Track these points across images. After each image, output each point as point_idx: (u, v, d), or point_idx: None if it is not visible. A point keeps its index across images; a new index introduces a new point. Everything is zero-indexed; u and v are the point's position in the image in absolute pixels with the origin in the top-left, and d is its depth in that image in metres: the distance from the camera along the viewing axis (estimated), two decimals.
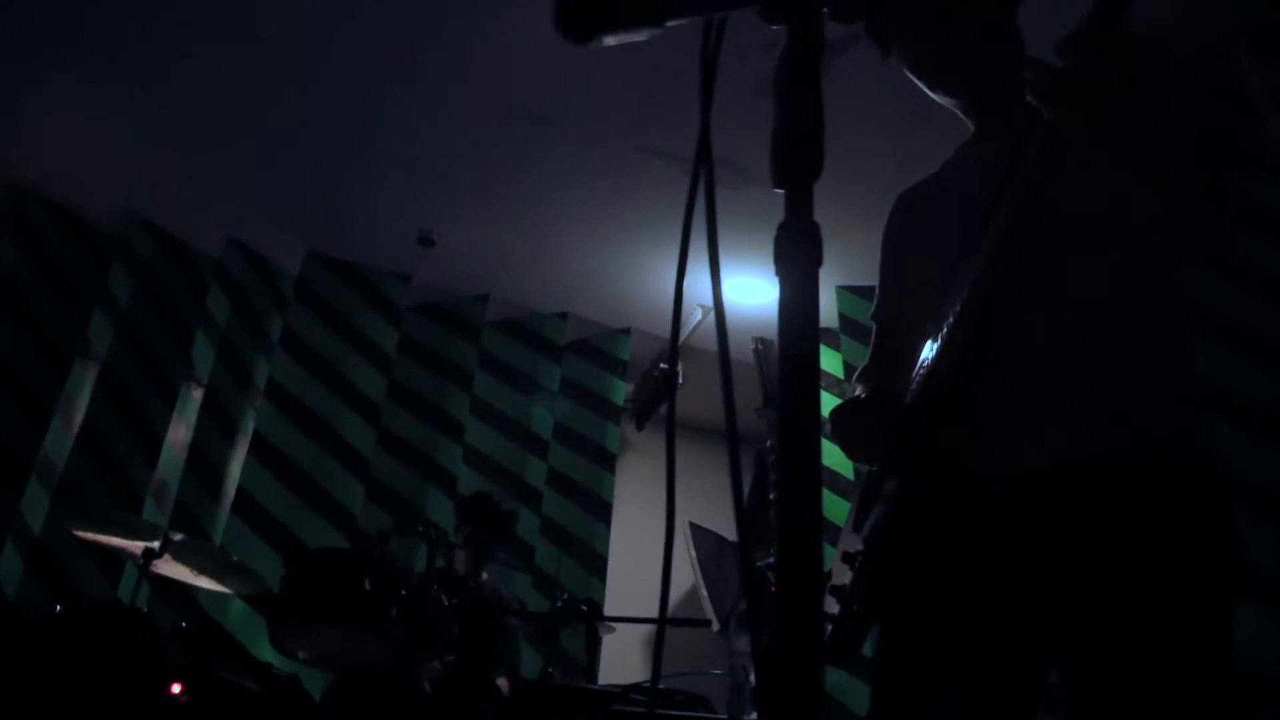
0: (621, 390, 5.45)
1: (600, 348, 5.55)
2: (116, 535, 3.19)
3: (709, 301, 0.85)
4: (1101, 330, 1.21)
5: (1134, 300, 1.23)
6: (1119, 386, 1.18)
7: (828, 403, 2.90)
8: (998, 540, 1.19)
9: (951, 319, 1.21)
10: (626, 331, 5.50)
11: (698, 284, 0.86)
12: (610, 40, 0.86)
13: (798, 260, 0.71)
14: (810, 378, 0.68)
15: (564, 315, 5.43)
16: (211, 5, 3.50)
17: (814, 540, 0.63)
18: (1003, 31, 1.42)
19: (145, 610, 3.09)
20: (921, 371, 1.26)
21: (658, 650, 0.91)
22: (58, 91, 4.06)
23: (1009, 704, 1.19)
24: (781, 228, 0.71)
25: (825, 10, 0.78)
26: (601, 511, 5.16)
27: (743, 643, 3.14)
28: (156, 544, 3.08)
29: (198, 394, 4.77)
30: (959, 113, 1.49)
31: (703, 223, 0.79)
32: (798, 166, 0.73)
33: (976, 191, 1.28)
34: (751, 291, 4.71)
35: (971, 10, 1.40)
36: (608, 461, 5.31)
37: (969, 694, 1.18)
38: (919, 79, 1.46)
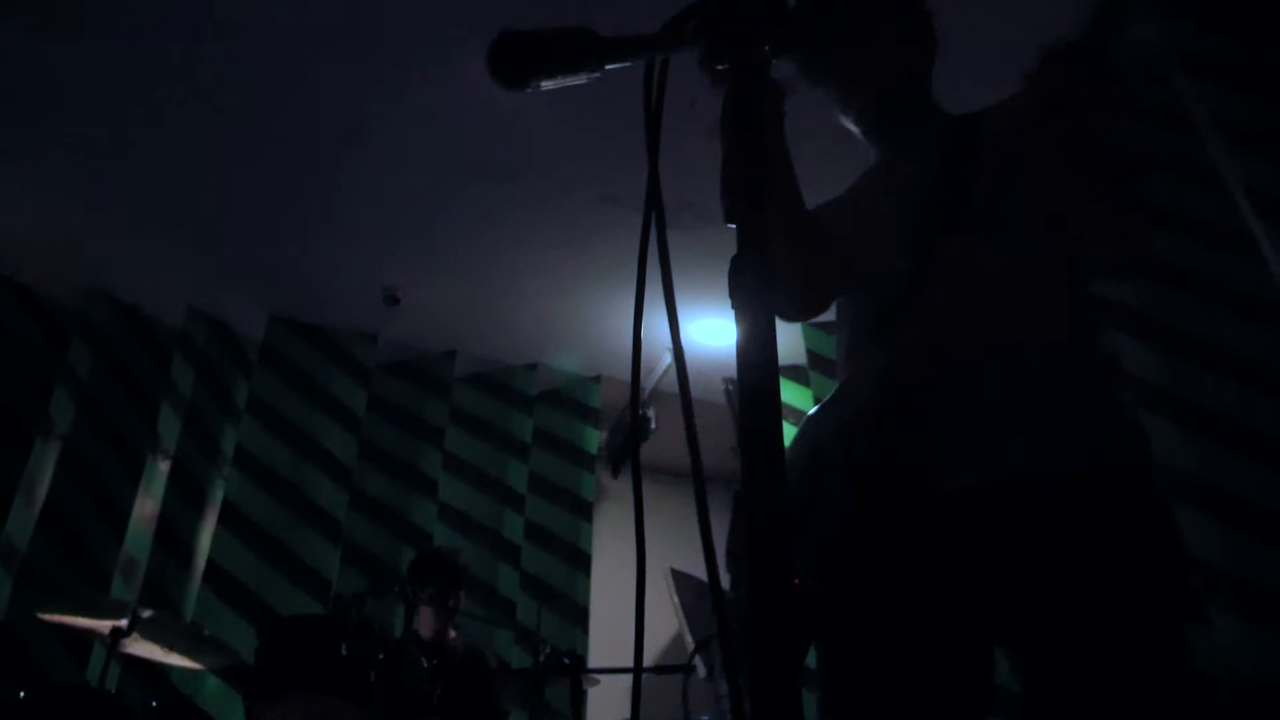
0: (595, 438, 5.43)
1: (572, 397, 5.53)
2: (83, 616, 3.10)
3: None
4: (1043, 345, 1.23)
5: (1071, 315, 1.27)
6: (1066, 403, 1.20)
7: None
8: (956, 555, 1.19)
9: (901, 335, 1.24)
10: (597, 379, 5.50)
11: (663, 327, 0.85)
12: (547, 84, 0.87)
13: (752, 290, 0.71)
14: (771, 402, 0.68)
15: (533, 366, 5.42)
16: (164, 74, 3.50)
17: (782, 573, 0.63)
18: (913, 49, 1.49)
19: (115, 692, 3.00)
20: (869, 387, 1.27)
21: (635, 699, 0.89)
22: (8, 168, 4.03)
23: (961, 709, 1.20)
24: (734, 260, 0.72)
25: (767, 48, 0.80)
26: (581, 562, 5.11)
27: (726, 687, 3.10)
28: (125, 622, 2.99)
29: (164, 466, 4.68)
30: (865, 135, 1.53)
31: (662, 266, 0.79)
32: (746, 200, 0.74)
33: (903, 204, 1.33)
34: (718, 333, 4.73)
35: (879, 29, 1.45)
36: (584, 511, 5.26)
37: (924, 699, 1.18)
38: (834, 98, 1.50)
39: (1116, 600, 1.09)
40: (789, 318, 1.48)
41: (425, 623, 3.70)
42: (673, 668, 3.42)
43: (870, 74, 1.47)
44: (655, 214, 0.81)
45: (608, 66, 0.84)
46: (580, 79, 0.85)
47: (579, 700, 3.75)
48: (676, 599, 3.41)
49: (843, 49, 1.45)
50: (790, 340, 4.56)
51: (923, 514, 1.20)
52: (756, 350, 0.70)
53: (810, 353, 4.70)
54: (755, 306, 0.71)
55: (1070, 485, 1.14)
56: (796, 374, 4.75)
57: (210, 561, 4.40)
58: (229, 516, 4.51)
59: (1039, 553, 1.13)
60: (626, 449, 5.73)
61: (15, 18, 3.27)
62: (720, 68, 0.80)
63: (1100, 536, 1.12)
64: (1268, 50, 2.68)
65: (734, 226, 0.74)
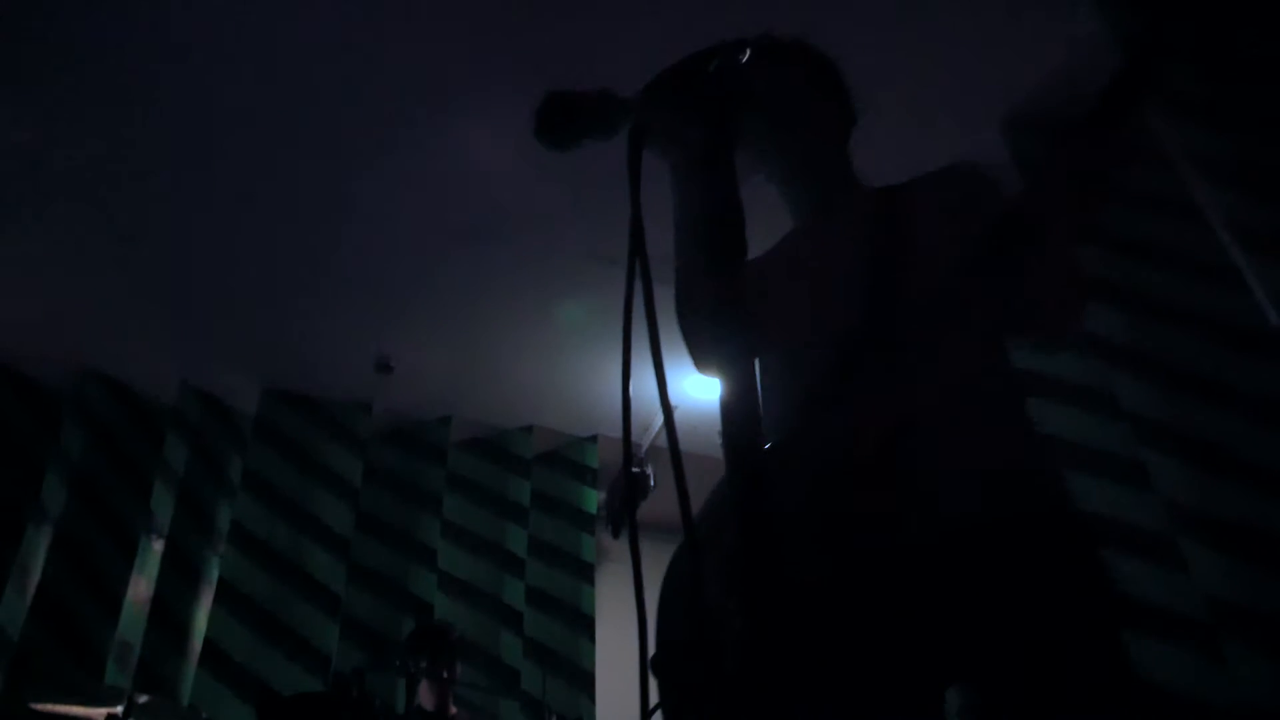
0: (594, 499, 5.39)
1: (569, 458, 5.51)
2: (77, 704, 3.04)
3: (671, 401, 0.86)
4: (981, 408, 1.30)
5: (1004, 378, 1.35)
6: (1004, 459, 1.28)
7: None
8: (917, 599, 1.25)
9: (860, 395, 1.28)
10: (594, 439, 5.48)
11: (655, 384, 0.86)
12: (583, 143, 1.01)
13: (730, 341, 0.73)
14: (752, 453, 0.69)
15: (529, 429, 5.40)
16: (151, 156, 3.54)
17: (774, 625, 0.66)
18: (845, 127, 1.57)
19: None
20: (836, 446, 1.30)
21: None
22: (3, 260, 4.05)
23: None
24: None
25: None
26: (584, 626, 5.03)
27: None
28: (120, 709, 2.93)
29: (158, 545, 4.63)
30: (793, 202, 1.58)
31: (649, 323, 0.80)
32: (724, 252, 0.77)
33: (844, 270, 1.39)
34: (712, 387, 4.72)
35: (822, 111, 1.54)
36: (586, 573, 5.20)
37: None
38: (774, 178, 1.56)
39: (1056, 624, 1.18)
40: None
41: (426, 696, 3.63)
42: None
43: (816, 157, 1.54)
44: (641, 267, 0.83)
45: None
46: (609, 139, 0.94)
47: None
48: None
49: (791, 135, 1.51)
50: None
51: (887, 562, 1.25)
52: (737, 402, 0.71)
53: None
54: (735, 357, 0.73)
55: (1014, 530, 1.23)
56: None
57: (207, 641, 4.32)
58: (225, 594, 4.44)
59: (988, 592, 1.21)
60: (626, 508, 5.68)
61: (2, 104, 3.31)
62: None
63: (1040, 572, 1.21)
64: (1242, 87, 2.73)
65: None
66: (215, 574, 4.60)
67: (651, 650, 1.25)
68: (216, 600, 4.44)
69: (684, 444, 0.84)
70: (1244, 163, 2.61)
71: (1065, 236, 1.26)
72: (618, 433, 5.32)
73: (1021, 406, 1.37)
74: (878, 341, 1.31)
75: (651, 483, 2.45)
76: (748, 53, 1.15)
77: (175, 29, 3.05)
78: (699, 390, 4.78)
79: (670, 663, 1.22)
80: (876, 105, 1.61)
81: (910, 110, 3.12)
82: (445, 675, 3.60)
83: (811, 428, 1.35)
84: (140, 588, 4.50)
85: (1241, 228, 2.57)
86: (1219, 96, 2.72)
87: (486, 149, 3.49)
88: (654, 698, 0.85)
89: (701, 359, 1.44)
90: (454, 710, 3.71)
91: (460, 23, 3.04)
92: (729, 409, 0.72)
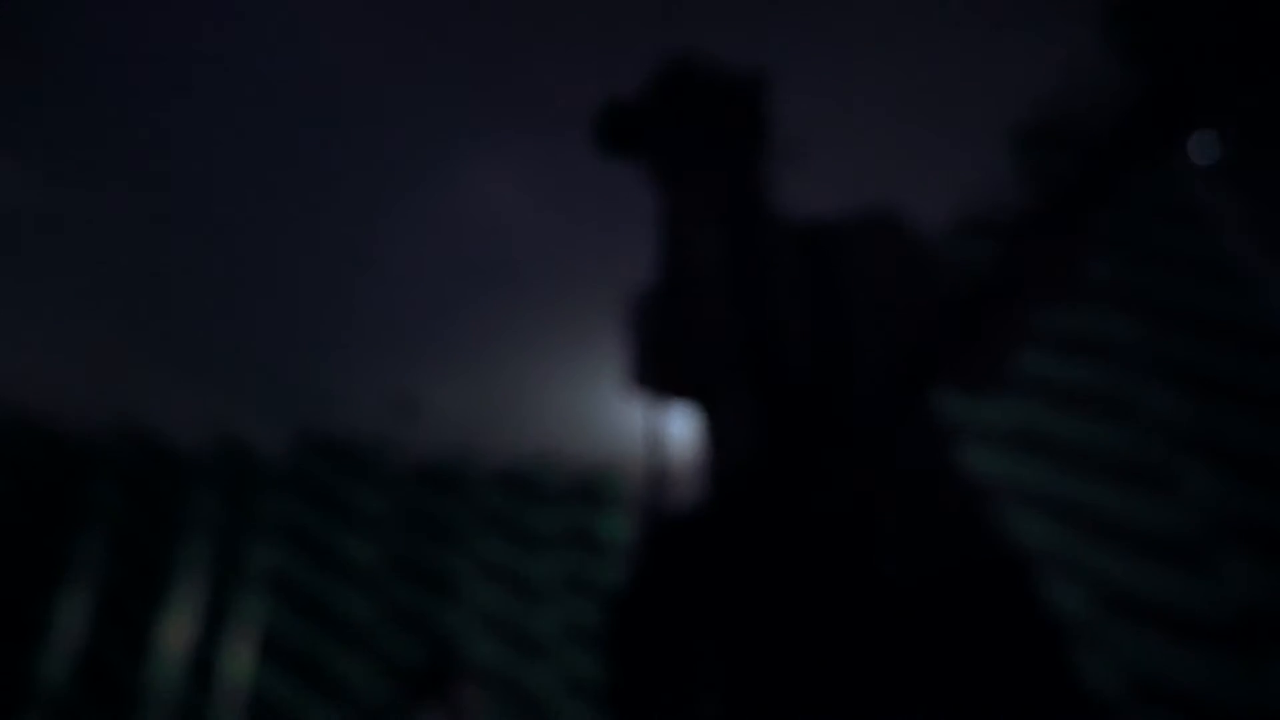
0: (620, 527, 5.39)
1: (593, 487, 5.52)
2: None
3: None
4: (934, 454, 1.35)
5: (943, 423, 1.38)
6: (961, 508, 1.33)
7: None
8: (897, 634, 1.28)
9: (832, 436, 1.31)
10: (617, 467, 5.49)
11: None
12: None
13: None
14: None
15: (552, 460, 5.41)
16: (177, 210, 3.61)
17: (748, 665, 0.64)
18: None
19: None
20: (823, 487, 1.32)
21: None
22: (25, 310, 4.14)
23: None
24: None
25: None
26: None
27: None
28: None
29: (194, 594, 4.67)
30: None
31: None
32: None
33: (783, 313, 1.40)
34: None
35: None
36: None
37: None
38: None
39: (1009, 655, 1.23)
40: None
41: None
42: None
43: (754, 192, 1.54)
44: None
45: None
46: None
47: None
48: None
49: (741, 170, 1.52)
50: None
51: (873, 600, 1.28)
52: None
53: None
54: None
55: (981, 574, 1.28)
56: None
57: (245, 688, 4.35)
58: (261, 639, 4.47)
59: (960, 627, 1.25)
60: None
61: (32, 166, 3.40)
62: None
63: (1007, 611, 1.26)
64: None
65: None
66: (251, 620, 4.64)
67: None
68: (253, 646, 4.48)
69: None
70: (1250, 163, 2.60)
71: (1031, 300, 1.26)
72: (641, 461, 5.33)
73: (960, 456, 1.41)
74: (829, 389, 1.34)
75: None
76: (772, 85, 1.18)
77: (197, 76, 3.12)
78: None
79: (629, 697, 1.23)
80: (880, 116, 1.62)
81: (915, 121, 3.14)
82: (453, 701, 3.61)
83: (772, 476, 1.36)
84: (178, 637, 4.54)
85: (1252, 228, 2.56)
86: (1238, 104, 2.72)
87: (505, 190, 3.54)
88: None
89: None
90: None
91: (481, 69, 3.09)
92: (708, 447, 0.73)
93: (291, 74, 3.11)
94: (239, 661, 4.56)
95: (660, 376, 1.44)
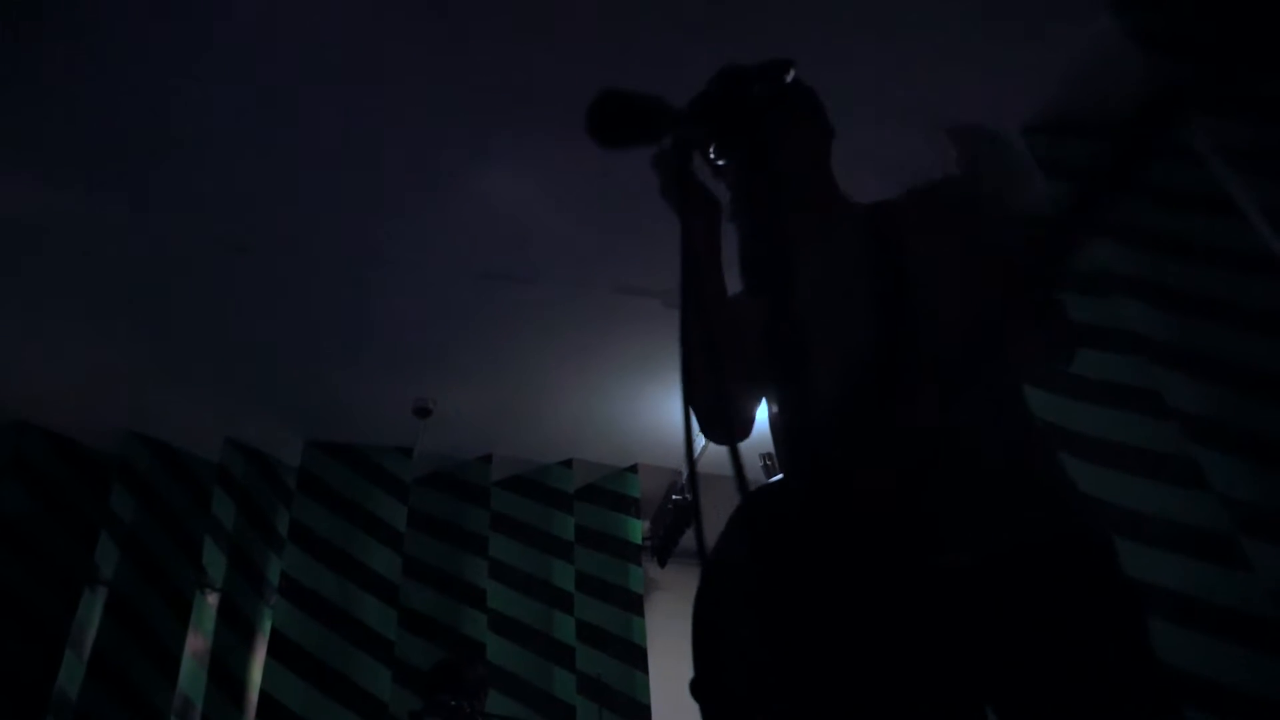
0: (637, 529, 5.37)
1: (610, 489, 5.50)
2: None
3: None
4: (1004, 432, 1.34)
5: (1018, 399, 1.39)
6: (1033, 483, 1.32)
7: None
8: (952, 622, 1.27)
9: (896, 420, 1.28)
10: (634, 469, 5.47)
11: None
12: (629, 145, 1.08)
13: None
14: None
15: (569, 463, 5.40)
16: (190, 220, 3.62)
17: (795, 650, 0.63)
18: (827, 142, 1.55)
19: None
20: (882, 474, 1.30)
21: None
22: (40, 320, 4.15)
23: None
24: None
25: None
26: (637, 658, 4.99)
27: None
28: None
29: (212, 601, 4.68)
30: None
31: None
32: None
33: (847, 289, 1.40)
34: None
35: (804, 132, 1.51)
36: (635, 605, 5.17)
37: None
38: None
39: (1090, 644, 1.20)
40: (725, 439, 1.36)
41: None
42: None
43: (800, 176, 1.51)
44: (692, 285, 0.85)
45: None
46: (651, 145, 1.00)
47: None
48: None
49: (778, 155, 1.47)
50: None
51: (924, 588, 1.26)
52: None
53: None
54: None
55: (1046, 554, 1.25)
56: None
57: (263, 694, 4.35)
58: (279, 646, 4.47)
59: (1022, 613, 1.23)
60: (673, 537, 5.65)
61: (49, 178, 3.41)
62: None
63: (1072, 594, 1.24)
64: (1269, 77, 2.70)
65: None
66: (269, 626, 4.64)
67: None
68: (271, 652, 4.47)
69: (727, 470, 0.83)
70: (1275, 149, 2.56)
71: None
72: (658, 460, 5.32)
73: (1039, 429, 1.39)
74: (898, 366, 1.32)
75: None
76: (791, 74, 1.16)
77: (208, 86, 3.12)
78: None
79: (709, 686, 1.22)
80: (894, 108, 1.59)
81: (929, 112, 3.11)
82: (469, 710, 3.58)
83: (843, 456, 1.34)
84: (198, 643, 4.55)
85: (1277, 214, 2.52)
86: (1258, 90, 2.68)
87: (517, 192, 3.53)
88: None
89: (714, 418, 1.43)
90: None
91: (491, 70, 3.08)
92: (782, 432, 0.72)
93: (306, 76, 3.10)
94: (257, 666, 4.56)
95: (721, 433, 1.46)
